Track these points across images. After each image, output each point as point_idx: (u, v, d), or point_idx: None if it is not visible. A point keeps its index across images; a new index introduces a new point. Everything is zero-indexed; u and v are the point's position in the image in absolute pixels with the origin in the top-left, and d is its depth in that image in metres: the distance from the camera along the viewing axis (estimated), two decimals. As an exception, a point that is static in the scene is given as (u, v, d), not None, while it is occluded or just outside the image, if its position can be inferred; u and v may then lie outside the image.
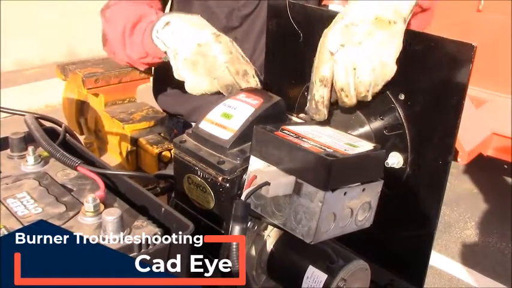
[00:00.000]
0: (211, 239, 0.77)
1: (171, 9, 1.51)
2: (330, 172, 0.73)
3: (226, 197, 0.87)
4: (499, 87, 3.77)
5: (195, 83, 1.10)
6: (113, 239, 0.72)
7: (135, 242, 0.73)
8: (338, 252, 0.87)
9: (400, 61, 0.96)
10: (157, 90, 1.59)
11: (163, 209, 0.80)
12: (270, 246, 0.90)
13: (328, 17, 1.10)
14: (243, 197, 0.75)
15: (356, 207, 0.81)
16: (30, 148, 0.94)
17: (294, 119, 1.03)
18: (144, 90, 1.96)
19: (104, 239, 0.73)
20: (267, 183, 0.75)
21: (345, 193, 0.77)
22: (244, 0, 1.45)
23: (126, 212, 0.80)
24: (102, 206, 0.79)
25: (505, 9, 3.85)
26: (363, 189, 0.81)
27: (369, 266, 0.92)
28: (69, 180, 0.90)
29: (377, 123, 1.01)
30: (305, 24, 1.15)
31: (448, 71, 0.89)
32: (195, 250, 0.83)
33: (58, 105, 2.62)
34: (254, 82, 1.08)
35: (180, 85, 1.16)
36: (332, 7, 1.10)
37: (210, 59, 1.08)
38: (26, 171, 0.92)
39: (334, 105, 0.97)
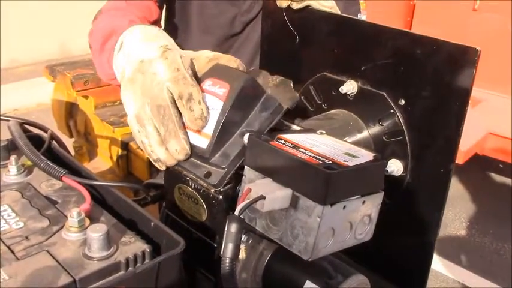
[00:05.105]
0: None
1: (167, 18, 1.46)
2: (329, 186, 0.69)
3: (219, 209, 0.82)
4: (495, 86, 3.76)
5: (126, 107, 0.88)
6: (98, 258, 0.68)
7: (121, 261, 0.68)
8: (336, 267, 0.83)
9: (400, 65, 0.93)
10: None
11: (152, 224, 0.76)
12: (265, 259, 0.86)
13: (324, 18, 1.08)
14: (236, 212, 0.71)
15: (355, 220, 0.77)
16: (13, 157, 0.89)
17: (288, 124, 0.99)
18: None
19: (88, 257, 0.68)
20: (262, 197, 0.71)
21: (344, 207, 0.73)
22: (248, 4, 1.41)
23: (113, 226, 0.76)
24: (87, 221, 0.75)
25: (501, 8, 3.83)
26: (363, 202, 0.77)
27: (368, 275, 0.88)
28: (53, 192, 0.85)
29: (376, 129, 0.98)
30: (301, 25, 1.11)
31: (450, 75, 0.86)
32: (188, 265, 0.79)
33: (50, 104, 2.58)
34: (199, 110, 0.85)
35: None
36: None
37: (148, 77, 0.86)
38: (8, 182, 0.87)
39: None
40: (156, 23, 1.31)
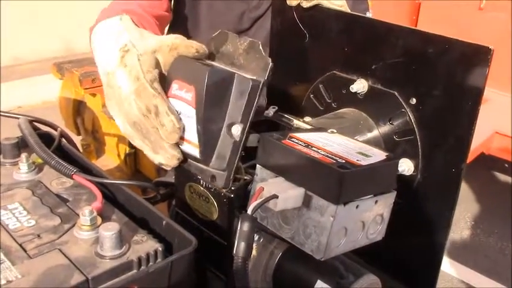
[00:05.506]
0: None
1: (175, 13, 1.46)
2: (343, 185, 0.69)
3: (230, 208, 0.82)
4: (501, 85, 3.74)
5: (115, 122, 0.88)
6: (110, 256, 0.68)
7: (134, 259, 0.68)
8: (348, 267, 0.82)
9: (411, 63, 0.92)
10: None
11: (164, 222, 0.76)
12: (276, 259, 0.85)
13: (334, 16, 1.07)
14: (249, 211, 0.71)
15: (368, 220, 0.77)
16: (24, 155, 0.89)
17: (298, 123, 0.98)
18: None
19: (101, 256, 0.68)
20: (275, 196, 0.71)
21: (357, 206, 0.73)
22: (256, 1, 1.40)
23: (125, 225, 0.76)
24: (99, 219, 0.75)
25: (507, 8, 3.82)
26: (376, 202, 0.77)
27: (378, 275, 0.88)
28: (64, 190, 0.85)
29: (386, 128, 0.98)
30: (311, 23, 1.11)
31: (462, 74, 0.85)
32: (198, 263, 0.79)
33: (55, 101, 2.57)
34: (170, 123, 0.81)
35: None
36: None
37: (116, 91, 0.84)
38: (18, 180, 0.87)
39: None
40: (166, 12, 1.30)
